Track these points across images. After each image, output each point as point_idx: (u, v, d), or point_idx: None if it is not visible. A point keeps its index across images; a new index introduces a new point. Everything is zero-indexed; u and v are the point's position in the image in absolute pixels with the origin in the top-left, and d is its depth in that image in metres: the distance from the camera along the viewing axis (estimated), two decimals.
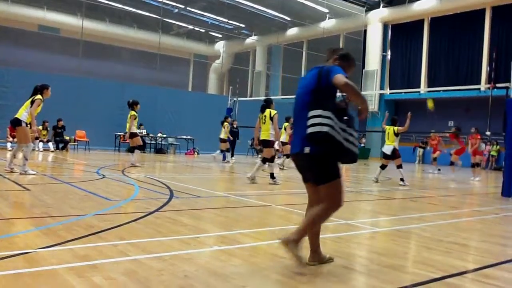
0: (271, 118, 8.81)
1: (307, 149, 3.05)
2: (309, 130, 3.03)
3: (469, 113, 23.43)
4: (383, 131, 10.99)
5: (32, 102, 8.14)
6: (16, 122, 8.12)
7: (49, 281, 2.61)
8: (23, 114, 8.11)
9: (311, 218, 3.10)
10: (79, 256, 3.11)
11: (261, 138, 9.00)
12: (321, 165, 3.09)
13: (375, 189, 9.65)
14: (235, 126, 17.43)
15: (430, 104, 13.68)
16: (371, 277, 3.12)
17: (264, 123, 8.88)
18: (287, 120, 13.67)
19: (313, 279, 2.96)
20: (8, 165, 8.25)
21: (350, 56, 3.37)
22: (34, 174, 7.96)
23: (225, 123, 15.83)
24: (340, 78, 2.97)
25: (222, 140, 15.83)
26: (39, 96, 8.19)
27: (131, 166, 11.04)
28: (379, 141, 26.69)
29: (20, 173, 7.93)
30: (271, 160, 8.95)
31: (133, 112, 11.32)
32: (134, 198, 6.05)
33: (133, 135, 11.41)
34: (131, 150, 11.40)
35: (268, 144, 8.91)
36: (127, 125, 11.46)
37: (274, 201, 6.65)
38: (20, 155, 8.50)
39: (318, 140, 3.00)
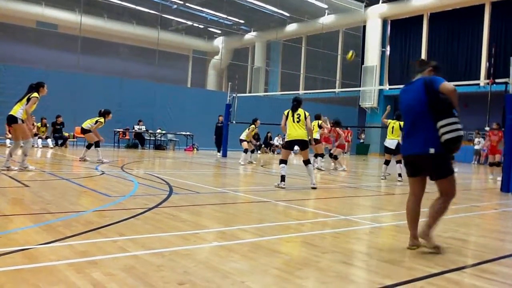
0: (305, 118, 8.38)
1: (432, 150, 3.56)
2: (448, 136, 3.49)
3: (468, 109, 23.44)
4: (383, 126, 10.87)
5: (28, 100, 8.05)
6: (12, 120, 7.98)
7: (48, 277, 2.60)
8: (18, 111, 7.97)
9: (439, 211, 3.74)
10: (79, 252, 3.12)
11: (298, 138, 8.33)
12: (443, 163, 3.64)
13: (374, 185, 9.66)
14: (220, 121, 17.31)
15: (349, 56, 14.63)
16: (370, 272, 3.13)
17: (299, 122, 8.34)
18: (317, 118, 12.73)
19: (312, 274, 2.96)
20: (5, 164, 8.20)
21: (440, 67, 3.94)
22: (33, 170, 7.94)
23: (252, 125, 14.76)
24: (448, 85, 3.55)
25: (242, 141, 14.83)
26: (36, 94, 8.10)
27: (99, 162, 10.62)
28: (378, 137, 26.69)
29: (20, 169, 7.91)
30: (308, 161, 8.46)
31: (102, 120, 11.39)
32: (133, 194, 6.05)
33: (87, 131, 11.32)
34: (89, 146, 11.33)
35: (306, 144, 8.44)
36: (87, 122, 11.33)
37: (273, 196, 6.65)
38: (19, 152, 8.46)
39: (454, 142, 3.50)
